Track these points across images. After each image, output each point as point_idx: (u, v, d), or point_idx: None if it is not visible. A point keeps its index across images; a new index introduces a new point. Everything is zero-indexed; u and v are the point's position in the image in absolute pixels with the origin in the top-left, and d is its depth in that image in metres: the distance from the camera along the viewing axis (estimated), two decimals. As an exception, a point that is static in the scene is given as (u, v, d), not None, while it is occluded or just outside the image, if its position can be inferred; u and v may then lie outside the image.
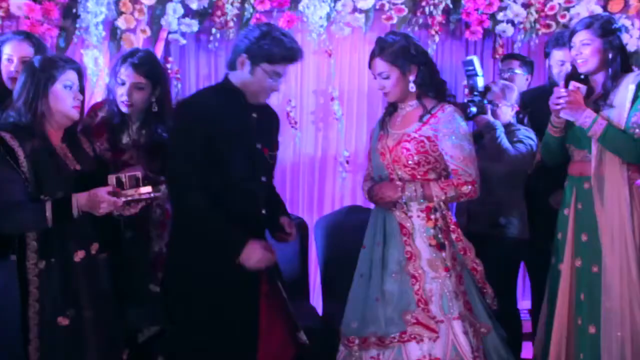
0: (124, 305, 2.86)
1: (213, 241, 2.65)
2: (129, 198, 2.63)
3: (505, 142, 3.47)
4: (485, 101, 3.50)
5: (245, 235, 2.64)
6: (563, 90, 2.98)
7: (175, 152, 2.72)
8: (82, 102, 2.75)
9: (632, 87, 2.91)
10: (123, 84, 3.16)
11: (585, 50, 2.98)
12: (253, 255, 2.63)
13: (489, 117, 3.49)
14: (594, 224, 2.96)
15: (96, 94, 4.06)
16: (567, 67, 3.62)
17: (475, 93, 3.45)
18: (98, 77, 4.15)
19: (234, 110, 2.74)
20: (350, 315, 2.95)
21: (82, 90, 2.74)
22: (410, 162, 2.86)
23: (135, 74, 3.13)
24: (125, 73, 3.14)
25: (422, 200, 2.86)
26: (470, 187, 2.85)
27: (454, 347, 2.79)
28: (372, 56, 2.92)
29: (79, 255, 2.64)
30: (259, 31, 2.73)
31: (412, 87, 2.89)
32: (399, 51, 2.86)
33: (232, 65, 2.77)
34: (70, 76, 2.68)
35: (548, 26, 4.45)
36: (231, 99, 2.76)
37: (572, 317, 3.05)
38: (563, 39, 3.75)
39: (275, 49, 2.70)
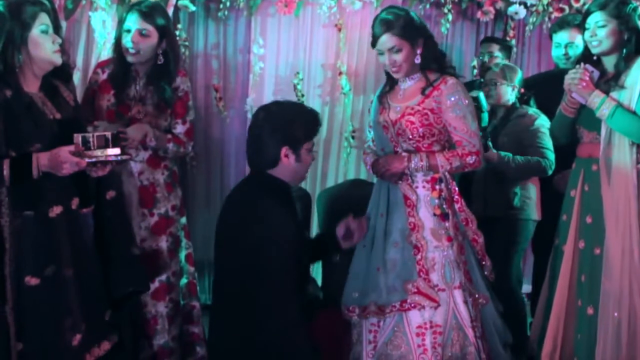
0: (105, 268, 2.70)
1: None
2: (94, 159, 2.47)
3: (520, 160, 3.53)
4: (485, 140, 3.50)
5: None
6: (575, 70, 2.96)
7: (275, 293, 2.51)
8: (62, 44, 2.60)
9: (644, 69, 2.88)
10: (129, 31, 3.15)
11: (600, 32, 2.93)
12: None
13: (493, 151, 3.54)
14: (600, 207, 2.94)
15: (103, 57, 4.04)
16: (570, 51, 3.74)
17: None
18: (106, 40, 4.14)
19: (295, 212, 2.72)
20: (351, 285, 2.96)
21: (57, 31, 2.59)
22: (415, 134, 2.86)
23: (141, 21, 3.13)
24: (131, 20, 3.14)
25: (428, 171, 2.86)
26: (474, 157, 2.87)
27: (454, 315, 2.81)
28: (378, 34, 2.85)
29: (55, 211, 2.49)
30: (285, 116, 2.66)
31: (417, 59, 2.88)
32: (407, 24, 2.84)
33: (273, 163, 2.65)
34: (44, 19, 2.52)
35: (561, 10, 4.41)
36: (287, 201, 2.70)
37: (572, 298, 3.04)
38: (566, 20, 3.78)
39: (310, 123, 2.67)
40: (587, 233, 3.01)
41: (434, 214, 2.86)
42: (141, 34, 3.14)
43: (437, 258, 2.83)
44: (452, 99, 2.84)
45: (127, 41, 3.15)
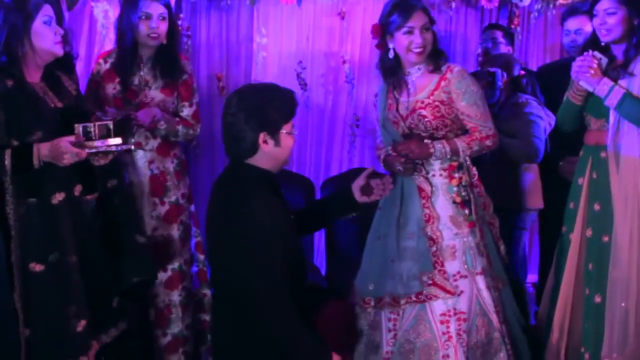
0: (111, 256, 2.70)
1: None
2: (94, 150, 2.46)
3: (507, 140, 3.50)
4: None
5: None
6: (582, 57, 2.93)
7: (261, 285, 2.37)
8: (65, 36, 2.61)
9: (654, 56, 2.85)
10: (149, 17, 3.15)
11: (609, 20, 2.89)
12: None
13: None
14: (608, 194, 2.92)
15: (106, 47, 4.03)
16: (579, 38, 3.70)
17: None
18: (108, 30, 4.12)
19: (282, 203, 2.55)
20: (366, 277, 2.94)
21: (60, 22, 2.60)
22: (429, 127, 2.85)
23: (159, 5, 3.17)
24: (150, 6, 3.15)
25: (448, 158, 2.85)
26: (492, 139, 2.89)
27: (477, 301, 2.81)
28: (414, 10, 2.81)
29: (57, 198, 2.51)
30: (259, 100, 2.45)
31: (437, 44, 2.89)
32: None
33: (252, 151, 2.46)
34: (48, 11, 2.53)
35: (566, -3, 4.39)
36: (272, 191, 2.50)
37: (579, 286, 3.02)
38: (575, 7, 3.76)
39: (286, 105, 2.48)
40: (595, 221, 2.98)
41: (454, 202, 2.86)
42: (161, 18, 3.18)
43: (457, 245, 2.83)
44: (461, 86, 2.84)
45: (150, 27, 3.16)
